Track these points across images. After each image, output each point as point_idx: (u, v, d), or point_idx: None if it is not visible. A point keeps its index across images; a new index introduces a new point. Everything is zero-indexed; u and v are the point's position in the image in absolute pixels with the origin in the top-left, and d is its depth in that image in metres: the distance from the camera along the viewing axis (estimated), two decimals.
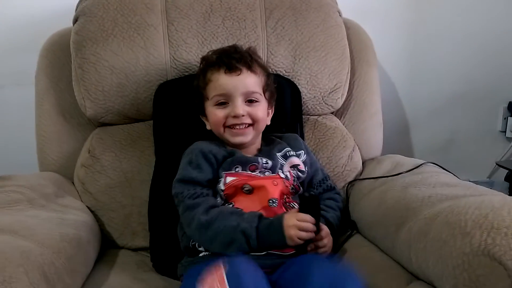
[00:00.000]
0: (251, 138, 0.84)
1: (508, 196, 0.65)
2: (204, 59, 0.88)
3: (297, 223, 0.70)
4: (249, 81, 0.82)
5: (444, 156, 1.39)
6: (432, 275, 0.60)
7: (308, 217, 0.71)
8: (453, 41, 1.37)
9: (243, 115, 0.81)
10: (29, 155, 1.05)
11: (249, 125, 0.82)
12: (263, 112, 0.84)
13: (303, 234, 0.70)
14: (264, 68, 0.88)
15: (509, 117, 1.42)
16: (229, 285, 0.58)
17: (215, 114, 0.82)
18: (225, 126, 0.82)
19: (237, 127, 0.82)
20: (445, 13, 1.33)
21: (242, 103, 0.81)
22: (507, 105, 1.42)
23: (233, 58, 0.82)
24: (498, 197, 0.65)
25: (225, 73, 0.81)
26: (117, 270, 0.80)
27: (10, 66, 1.18)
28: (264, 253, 0.73)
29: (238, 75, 0.81)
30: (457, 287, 0.54)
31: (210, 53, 0.88)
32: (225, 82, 0.81)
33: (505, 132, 1.44)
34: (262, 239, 0.71)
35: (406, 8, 1.32)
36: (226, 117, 0.81)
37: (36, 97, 1.02)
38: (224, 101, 0.82)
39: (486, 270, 0.52)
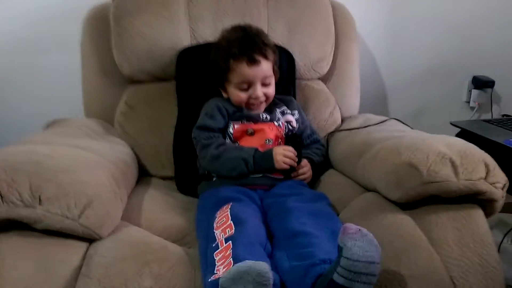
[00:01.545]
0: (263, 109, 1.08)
1: (437, 135, 0.91)
2: (225, 48, 1.02)
3: (282, 151, 0.97)
4: (266, 68, 1.02)
5: (415, 121, 1.54)
6: (375, 182, 0.87)
7: (291, 148, 0.98)
8: (427, 22, 1.55)
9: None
10: (73, 110, 1.26)
11: (264, 101, 1.06)
12: (273, 88, 1.07)
13: (287, 160, 0.97)
14: (273, 49, 1.06)
15: (472, 90, 1.62)
16: (231, 216, 0.80)
17: (239, 96, 1.03)
18: (245, 103, 1.05)
19: (256, 104, 1.05)
20: None
21: (260, 86, 1.02)
22: (471, 79, 1.62)
23: (254, 51, 0.99)
24: (429, 135, 0.92)
25: (247, 65, 1.00)
26: (153, 188, 1.06)
27: (54, 33, 1.36)
28: (261, 175, 0.99)
29: (258, 66, 1.00)
30: (387, 186, 0.81)
31: (229, 38, 1.03)
32: (247, 72, 1.00)
33: (469, 102, 1.65)
34: (257, 164, 0.97)
35: None
36: (248, 98, 1.04)
37: (82, 60, 1.23)
38: (246, 86, 1.03)
39: (406, 173, 0.78)
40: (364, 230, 0.65)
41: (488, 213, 0.82)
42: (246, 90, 1.03)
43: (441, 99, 1.67)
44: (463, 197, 0.80)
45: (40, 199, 0.70)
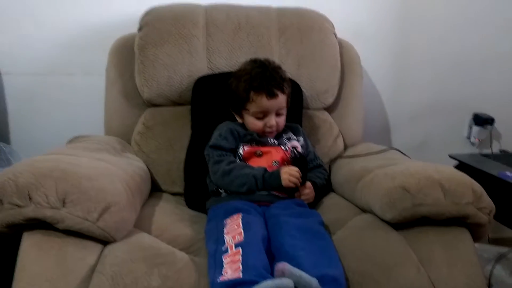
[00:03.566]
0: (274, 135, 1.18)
1: (430, 163, 0.98)
2: (247, 80, 1.11)
3: (288, 170, 1.04)
4: (281, 101, 1.13)
5: (417, 154, 1.57)
6: (371, 204, 0.93)
7: (297, 168, 1.05)
8: (430, 61, 1.64)
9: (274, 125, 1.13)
10: (93, 129, 1.36)
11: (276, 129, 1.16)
12: (284, 118, 1.17)
13: (293, 178, 1.04)
14: (288, 83, 1.15)
15: (473, 126, 1.69)
16: (242, 225, 0.88)
17: (255, 124, 1.13)
18: (261, 131, 1.15)
19: (269, 132, 1.14)
20: (424, 38, 1.61)
21: (274, 116, 1.13)
22: (472, 116, 1.70)
23: (273, 86, 1.09)
24: (423, 163, 0.98)
25: (266, 97, 1.10)
26: (163, 202, 1.13)
27: (81, 59, 1.48)
28: (266, 193, 1.06)
29: (276, 98, 1.11)
30: (382, 207, 0.87)
31: (251, 72, 1.11)
32: (266, 104, 1.10)
33: (469, 138, 1.72)
34: (266, 182, 1.04)
35: (393, 33, 1.61)
36: (263, 126, 1.13)
37: (106, 83, 1.34)
38: (262, 115, 1.13)
39: (399, 195, 0.85)
40: (288, 271, 0.71)
41: (476, 237, 0.88)
42: (261, 119, 1.13)
43: (443, 134, 1.73)
44: (452, 220, 0.86)
45: (64, 202, 0.78)
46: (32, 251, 0.76)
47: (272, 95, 1.10)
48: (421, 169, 0.90)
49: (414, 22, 1.61)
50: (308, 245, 0.82)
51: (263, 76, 1.11)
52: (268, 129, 1.14)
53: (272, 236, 0.89)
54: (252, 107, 1.12)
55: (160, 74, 1.27)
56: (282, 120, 1.16)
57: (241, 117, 1.18)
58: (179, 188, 1.22)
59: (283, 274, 0.70)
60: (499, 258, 1.40)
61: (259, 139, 1.15)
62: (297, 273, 0.70)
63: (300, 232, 0.86)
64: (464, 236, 0.85)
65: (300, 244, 0.82)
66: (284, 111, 1.16)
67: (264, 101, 1.11)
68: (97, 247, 0.81)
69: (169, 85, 1.28)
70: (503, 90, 1.70)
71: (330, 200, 1.15)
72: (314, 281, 0.70)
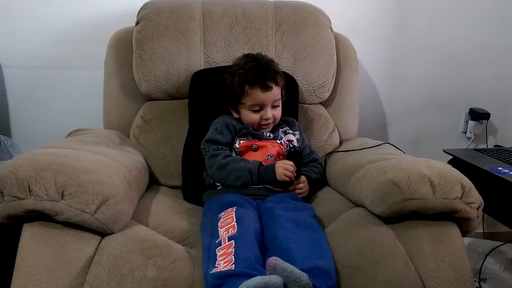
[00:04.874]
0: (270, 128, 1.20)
1: (421, 158, 1.00)
2: (241, 74, 1.13)
3: (283, 164, 1.06)
4: (276, 93, 1.15)
5: (412, 149, 1.63)
6: (363, 198, 0.95)
7: (291, 162, 1.07)
8: (426, 55, 1.65)
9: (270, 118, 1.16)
10: (92, 122, 1.37)
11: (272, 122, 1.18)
12: (280, 110, 1.19)
13: (287, 173, 1.06)
14: (282, 76, 1.18)
15: (469, 121, 1.71)
16: (236, 218, 0.91)
17: (251, 117, 1.15)
18: (257, 124, 1.17)
19: (265, 125, 1.16)
20: (420, 33, 1.62)
21: (270, 109, 1.15)
22: (468, 111, 1.71)
23: (267, 78, 1.12)
24: (416, 158, 1.00)
25: (260, 90, 1.12)
26: (161, 195, 1.15)
27: (78, 53, 1.49)
28: (261, 186, 1.08)
29: (270, 91, 1.13)
30: (372, 201, 0.89)
31: (244, 66, 1.13)
32: (261, 97, 1.13)
33: (465, 132, 1.74)
34: (261, 176, 1.07)
35: (389, 28, 1.62)
36: (260, 119, 1.15)
37: (105, 76, 1.35)
38: (258, 108, 1.15)
39: (389, 190, 0.87)
40: (280, 266, 0.72)
41: (464, 231, 0.90)
42: (257, 112, 1.15)
43: (439, 129, 1.75)
44: (441, 215, 0.88)
45: (63, 194, 0.80)
46: (32, 242, 0.78)
47: (266, 88, 1.12)
48: (412, 164, 0.92)
49: (410, 16, 1.62)
50: (301, 237, 0.84)
51: (257, 69, 1.13)
52: (264, 122, 1.16)
53: (265, 228, 0.91)
54: (248, 101, 1.14)
55: (157, 68, 1.28)
56: (278, 112, 1.18)
57: (237, 112, 1.19)
58: (177, 181, 1.24)
59: (274, 269, 0.72)
60: (490, 252, 1.43)
61: (255, 132, 1.17)
62: (288, 268, 0.72)
63: (293, 225, 0.88)
64: (452, 230, 0.87)
65: (292, 237, 0.84)
66: (279, 103, 1.18)
67: (258, 94, 1.13)
68: (95, 238, 0.83)
69: (167, 79, 1.29)
70: (499, 85, 1.72)
71: (324, 194, 1.17)
72: (304, 276, 0.72)
